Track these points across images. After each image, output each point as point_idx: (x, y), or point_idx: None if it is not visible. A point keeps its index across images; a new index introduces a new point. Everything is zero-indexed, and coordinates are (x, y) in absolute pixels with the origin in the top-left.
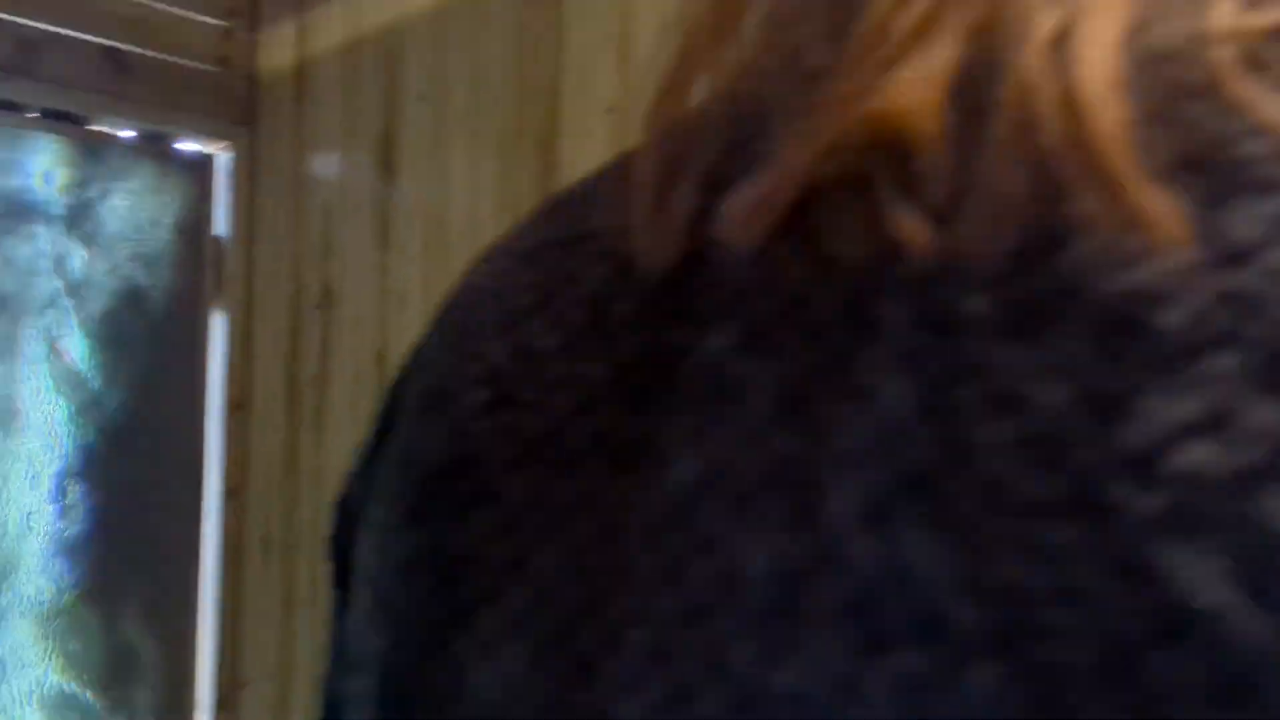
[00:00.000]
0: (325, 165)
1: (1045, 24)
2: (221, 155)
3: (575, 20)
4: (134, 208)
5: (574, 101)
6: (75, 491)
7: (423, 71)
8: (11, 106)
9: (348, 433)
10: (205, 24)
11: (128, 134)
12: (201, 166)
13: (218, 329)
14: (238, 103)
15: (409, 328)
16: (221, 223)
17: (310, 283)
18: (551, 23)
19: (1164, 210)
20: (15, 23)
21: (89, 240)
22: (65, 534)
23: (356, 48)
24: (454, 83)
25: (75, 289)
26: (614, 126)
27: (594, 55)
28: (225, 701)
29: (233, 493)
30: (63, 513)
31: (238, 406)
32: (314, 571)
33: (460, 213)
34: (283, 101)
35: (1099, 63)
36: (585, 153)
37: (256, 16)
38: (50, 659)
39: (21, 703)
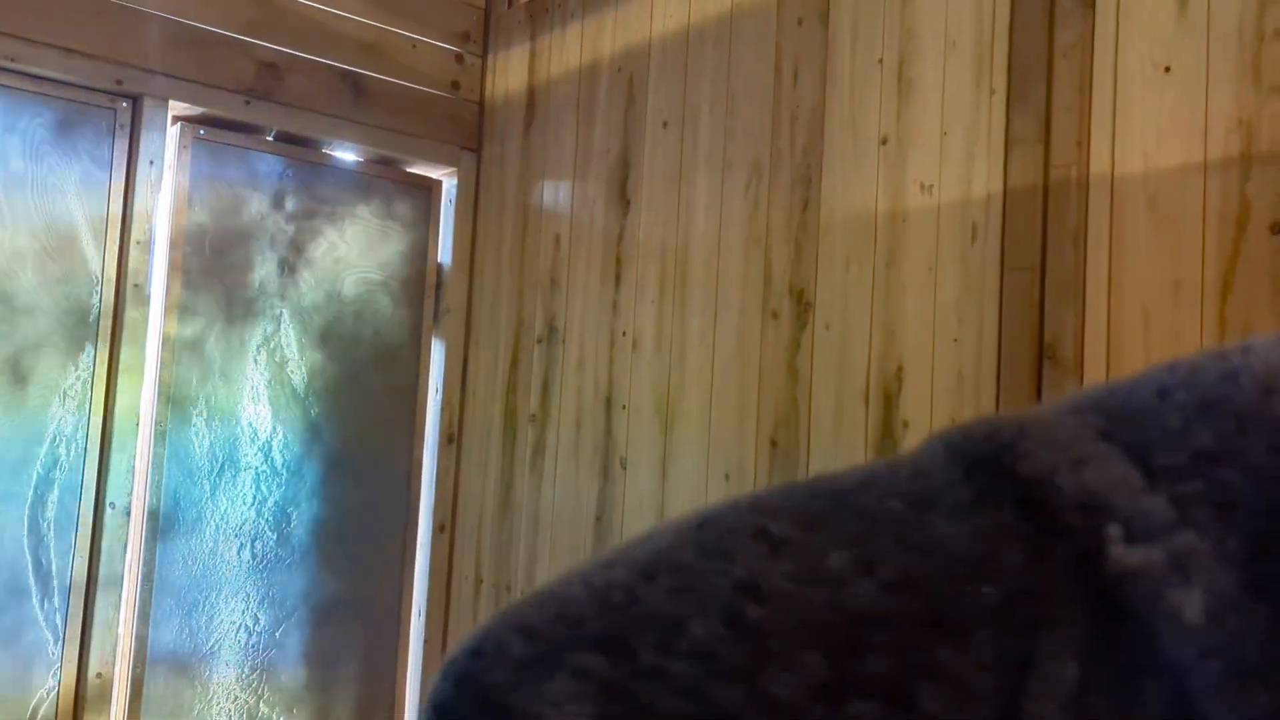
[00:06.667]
0: (555, 194)
1: None
2: (448, 181)
3: (844, 44)
4: (360, 232)
5: (841, 131)
6: (291, 519)
7: (666, 96)
8: (250, 128)
9: (566, 476)
10: (438, 49)
11: (358, 158)
12: (428, 192)
13: (436, 358)
14: (466, 128)
15: (639, 373)
16: (445, 250)
17: (534, 315)
18: (816, 45)
19: None
20: (258, 45)
21: (315, 264)
22: (284, 562)
23: (592, 71)
24: (701, 109)
25: (300, 312)
26: (888, 161)
27: (866, 81)
28: None
29: (442, 528)
30: (279, 541)
31: (451, 439)
32: None
33: (702, 251)
34: (512, 127)
35: None
36: (851, 190)
37: (489, 41)
38: (261, 690)
39: None
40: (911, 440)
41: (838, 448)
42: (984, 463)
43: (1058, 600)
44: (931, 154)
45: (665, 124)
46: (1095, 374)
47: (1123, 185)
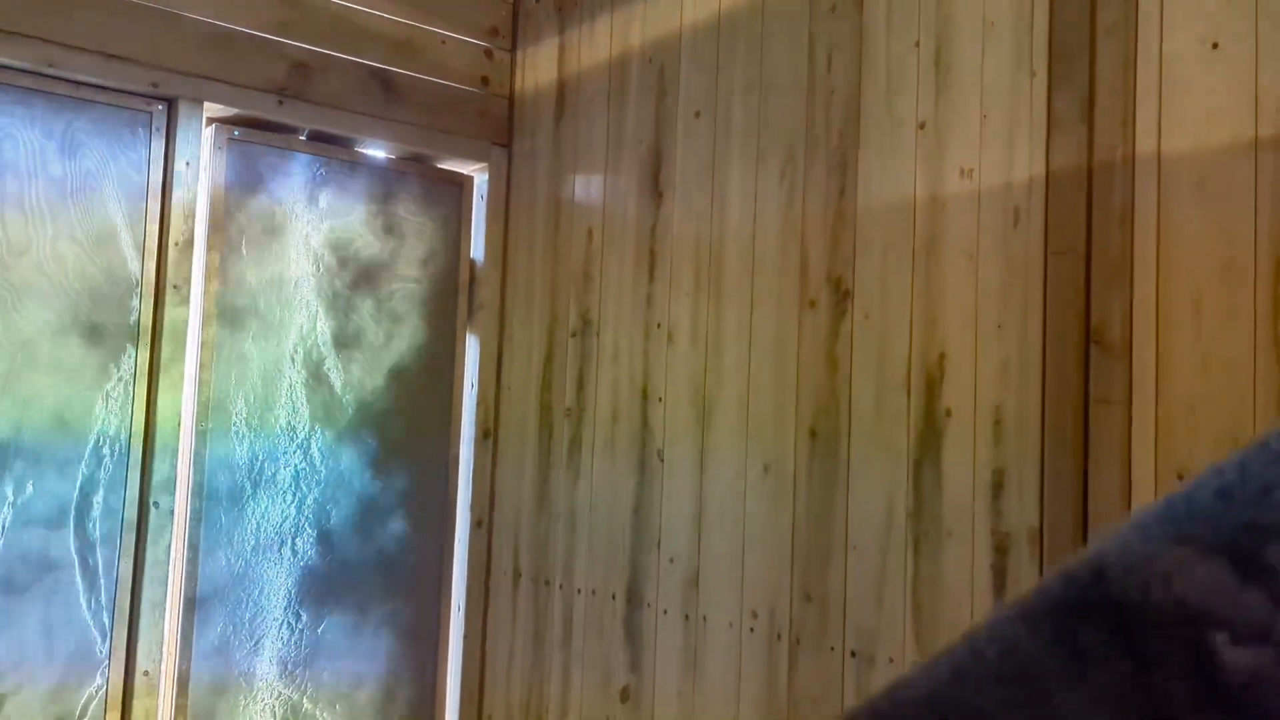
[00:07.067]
0: (587, 187)
1: None
2: (479, 177)
3: (879, 28)
4: (394, 229)
5: (877, 116)
6: (330, 516)
7: (698, 86)
8: (283, 128)
9: (603, 469)
10: (467, 44)
11: (390, 156)
12: (459, 189)
13: (471, 354)
14: (496, 123)
15: (675, 365)
16: (478, 245)
17: (568, 310)
18: (850, 30)
19: None
20: (290, 45)
21: (349, 262)
22: (324, 559)
23: (622, 63)
24: (733, 98)
25: (333, 310)
26: (926, 146)
27: (902, 66)
28: None
29: (480, 523)
30: (319, 538)
31: (487, 435)
32: (568, 610)
33: (737, 241)
34: (542, 121)
35: None
36: (888, 176)
37: (517, 36)
38: (304, 686)
39: None
40: (955, 429)
41: (879, 437)
42: (1074, 611)
43: None
44: (971, 138)
45: (697, 114)
46: (1144, 358)
47: (1170, 165)
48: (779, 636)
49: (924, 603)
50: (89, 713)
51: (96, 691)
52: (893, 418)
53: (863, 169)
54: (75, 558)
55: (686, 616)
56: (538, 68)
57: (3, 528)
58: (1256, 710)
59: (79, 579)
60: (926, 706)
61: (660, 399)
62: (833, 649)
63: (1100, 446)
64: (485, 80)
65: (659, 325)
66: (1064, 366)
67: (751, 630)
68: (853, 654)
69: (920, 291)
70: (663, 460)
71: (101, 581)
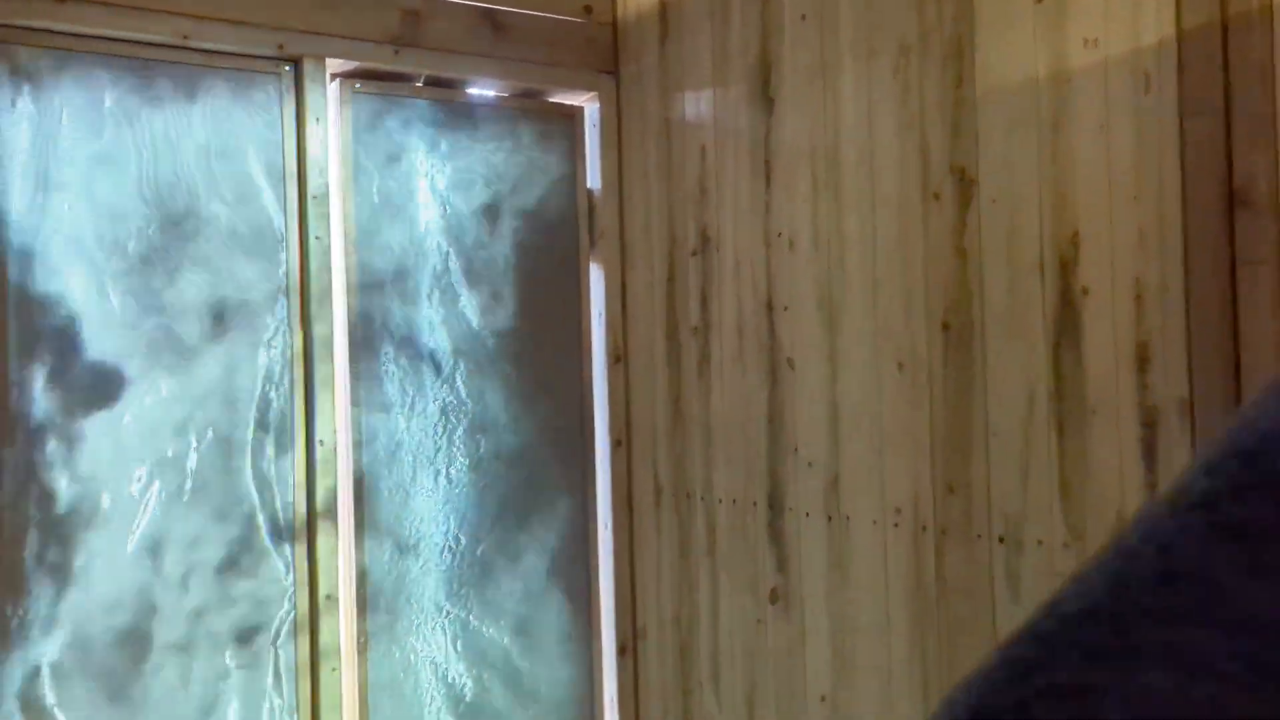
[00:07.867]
0: (696, 104)
1: None
2: (590, 107)
3: None
4: (512, 166)
5: None
6: (480, 445)
7: None
8: (401, 77)
9: (733, 382)
10: None
11: (503, 94)
12: (571, 120)
13: (596, 282)
14: (602, 51)
15: (798, 272)
16: (594, 174)
17: (686, 229)
18: None
19: None
20: None
21: (473, 201)
22: (477, 486)
23: None
24: None
25: (462, 249)
26: (1045, 21)
27: None
28: (626, 649)
29: (619, 443)
30: (470, 466)
31: (618, 359)
32: (711, 520)
33: (853, 142)
34: (647, 44)
35: None
36: (1008, 57)
37: None
38: (469, 604)
39: (447, 647)
40: (1093, 306)
41: (1014, 323)
42: (1227, 496)
43: None
44: (1093, 6)
45: (804, 17)
46: None
47: None
48: (924, 529)
49: (1071, 482)
50: (282, 635)
51: (286, 615)
52: (1027, 302)
53: (979, 53)
54: (256, 496)
55: (829, 518)
56: None
57: (191, 472)
58: None
59: (260, 515)
60: (1090, 620)
61: (786, 307)
62: (979, 537)
63: (1250, 308)
64: (588, 9)
65: (779, 234)
66: (1207, 230)
67: (896, 525)
68: (1000, 540)
69: (1048, 170)
70: (793, 367)
71: (280, 516)
